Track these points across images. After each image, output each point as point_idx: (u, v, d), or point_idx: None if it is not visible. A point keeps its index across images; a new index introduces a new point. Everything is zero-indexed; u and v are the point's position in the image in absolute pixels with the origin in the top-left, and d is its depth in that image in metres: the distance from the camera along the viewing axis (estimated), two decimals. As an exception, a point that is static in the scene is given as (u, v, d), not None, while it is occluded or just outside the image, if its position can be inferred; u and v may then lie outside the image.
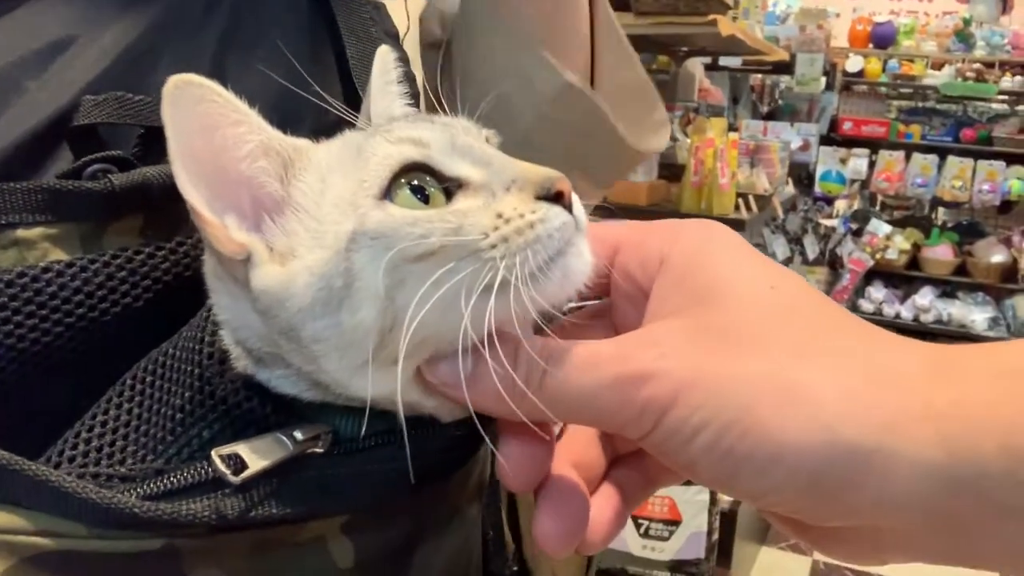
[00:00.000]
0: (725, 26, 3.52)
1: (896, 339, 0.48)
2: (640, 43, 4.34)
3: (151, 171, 0.60)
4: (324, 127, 0.57)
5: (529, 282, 0.49)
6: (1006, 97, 6.97)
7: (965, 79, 6.75)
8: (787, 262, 5.06)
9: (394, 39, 0.85)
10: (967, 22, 6.83)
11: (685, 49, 4.70)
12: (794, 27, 6.25)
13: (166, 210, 0.60)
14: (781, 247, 4.97)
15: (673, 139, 4.18)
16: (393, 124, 0.57)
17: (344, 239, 0.50)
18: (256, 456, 0.50)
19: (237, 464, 0.49)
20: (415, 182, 0.52)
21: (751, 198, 3.94)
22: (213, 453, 0.50)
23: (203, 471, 0.50)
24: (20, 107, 0.60)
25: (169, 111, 0.49)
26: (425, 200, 0.51)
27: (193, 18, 0.70)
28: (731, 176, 3.80)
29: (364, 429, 0.52)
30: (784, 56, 5.50)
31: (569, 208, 0.52)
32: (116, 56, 0.65)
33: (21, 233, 0.57)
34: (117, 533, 0.48)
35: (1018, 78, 6.77)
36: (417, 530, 0.58)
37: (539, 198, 0.51)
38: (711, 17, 3.47)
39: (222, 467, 0.49)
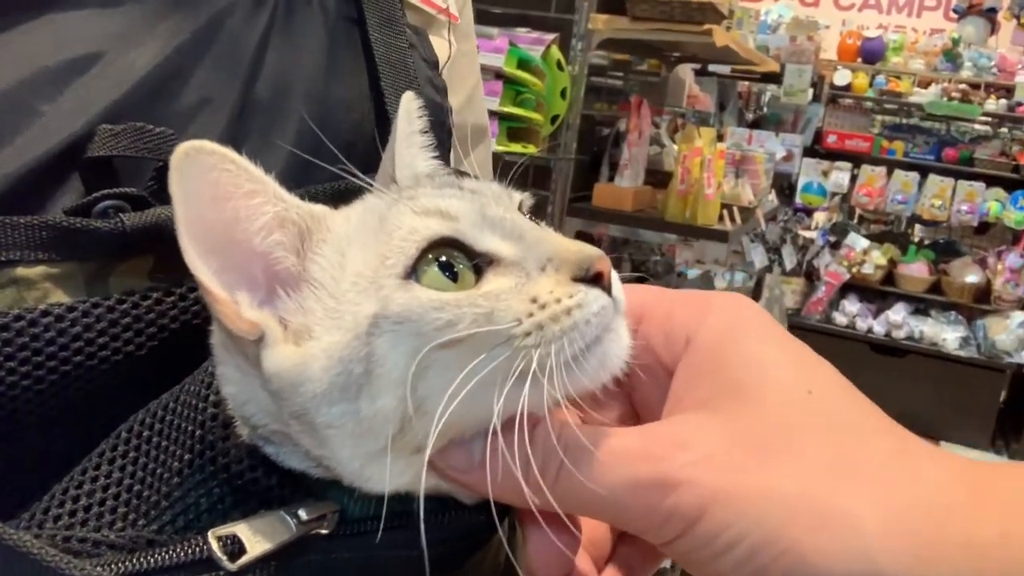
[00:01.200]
0: (720, 36, 3.51)
1: (935, 454, 0.45)
2: (633, 47, 4.35)
3: (165, 212, 0.56)
4: (352, 161, 0.54)
5: (564, 371, 0.47)
6: (989, 119, 7.02)
7: (950, 99, 6.78)
8: (765, 271, 5.07)
9: (434, 67, 0.81)
10: (956, 42, 6.86)
11: (676, 55, 4.69)
12: (784, 37, 6.25)
13: (179, 252, 0.54)
14: (759, 256, 4.98)
15: (660, 145, 4.16)
16: (418, 190, 0.53)
17: (365, 323, 0.47)
18: (256, 538, 0.46)
19: (234, 547, 0.45)
20: (443, 258, 0.48)
21: (735, 209, 3.93)
22: (210, 535, 0.45)
23: (197, 548, 0.46)
24: (32, 132, 0.55)
25: (177, 179, 0.45)
26: (454, 278, 0.48)
27: (224, 42, 0.66)
28: (717, 187, 3.79)
29: (374, 510, 0.48)
30: (774, 67, 5.50)
31: (608, 289, 0.49)
32: (140, 79, 0.60)
33: (21, 271, 0.52)
34: None
35: (1002, 101, 6.81)
36: None
37: (576, 279, 0.48)
38: (706, 27, 3.45)
39: (218, 552, 0.45)
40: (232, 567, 0.45)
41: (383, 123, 0.73)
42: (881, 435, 0.46)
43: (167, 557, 0.45)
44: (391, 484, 0.48)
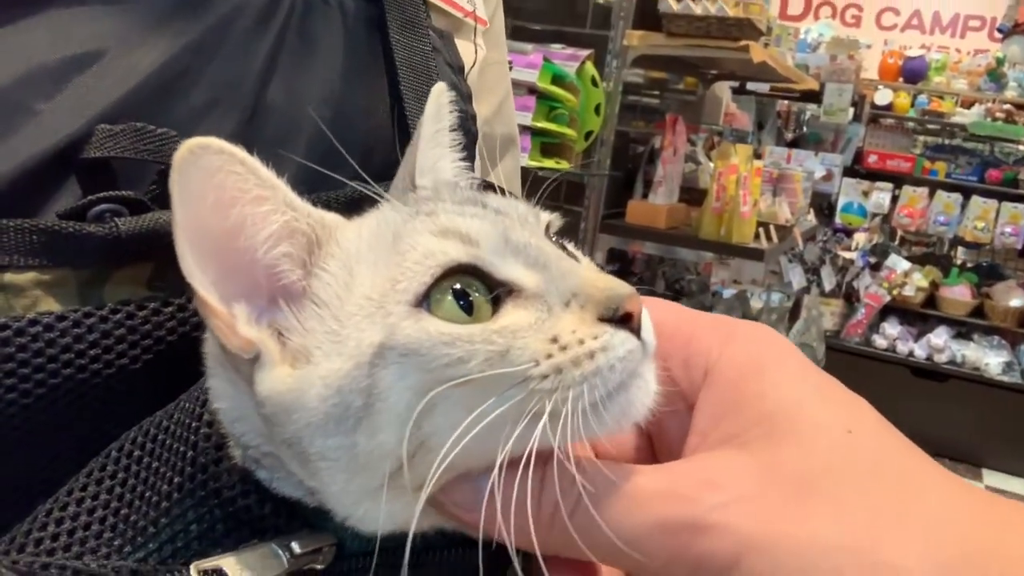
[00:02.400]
0: (757, 52, 3.47)
1: (987, 500, 0.41)
2: (669, 64, 4.32)
3: (165, 217, 0.53)
4: (369, 168, 0.51)
5: (580, 417, 0.42)
6: (1035, 140, 6.88)
7: (994, 119, 6.66)
8: (803, 292, 5.01)
9: (458, 72, 0.78)
10: (1000, 62, 6.75)
11: (714, 72, 4.66)
12: (825, 56, 6.18)
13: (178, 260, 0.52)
14: (798, 276, 4.92)
15: (696, 162, 4.13)
16: (438, 204, 0.49)
17: (369, 351, 0.43)
18: (244, 573, 0.43)
19: None
20: (459, 287, 0.44)
21: (772, 228, 3.88)
22: (193, 568, 0.43)
23: None
24: (27, 131, 0.52)
25: (179, 179, 0.42)
26: (469, 309, 0.44)
27: (235, 43, 0.63)
28: (753, 204, 3.74)
29: (374, 545, 0.45)
30: (814, 86, 5.44)
31: (638, 331, 0.45)
32: (144, 78, 0.57)
33: (10, 277, 0.50)
34: None
35: (1048, 121, 6.69)
36: None
37: (603, 319, 0.44)
38: (743, 43, 3.43)
39: None
40: None
41: (403, 129, 0.70)
42: (929, 479, 0.42)
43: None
44: (386, 524, 0.44)
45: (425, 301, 0.44)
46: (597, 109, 3.37)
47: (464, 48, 0.83)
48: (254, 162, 0.44)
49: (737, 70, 4.48)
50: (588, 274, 0.46)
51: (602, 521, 0.42)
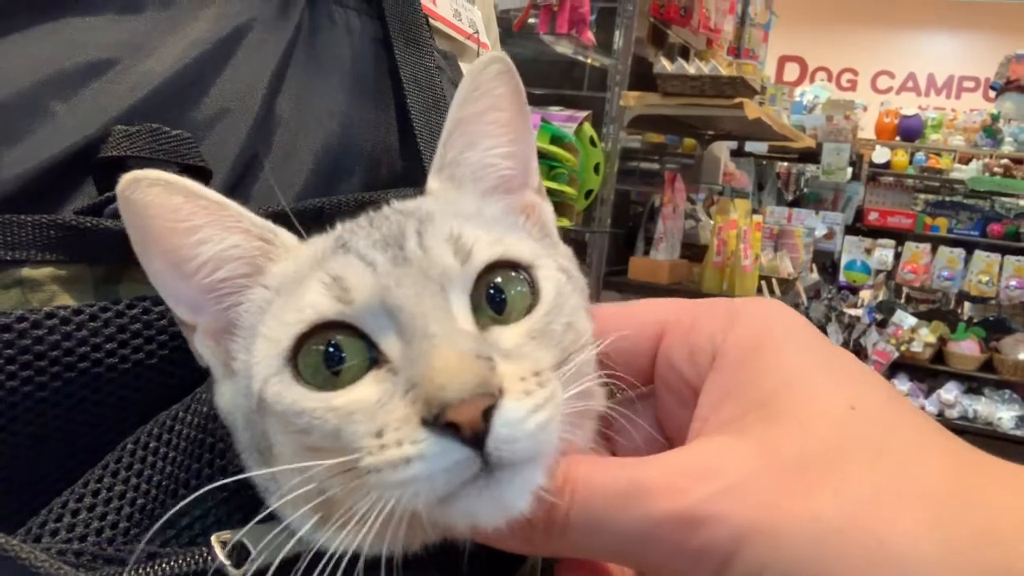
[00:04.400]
0: (752, 109, 3.53)
1: (1000, 472, 0.39)
2: (666, 124, 4.39)
3: None
4: (377, 180, 0.52)
5: (424, 512, 0.40)
6: (1034, 194, 6.93)
7: (993, 174, 6.72)
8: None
9: None
10: (995, 118, 6.83)
11: (711, 133, 4.72)
12: (821, 117, 6.27)
13: None
14: (804, 334, 4.91)
15: (696, 219, 4.17)
16: (355, 240, 0.47)
17: (255, 398, 0.44)
18: (261, 547, 0.43)
19: (240, 554, 0.43)
20: (333, 343, 0.43)
21: (774, 281, 3.91)
22: (213, 539, 0.43)
23: (200, 559, 0.43)
24: (45, 132, 0.53)
25: (122, 209, 0.45)
26: (338, 368, 0.43)
27: (245, 55, 0.65)
28: (754, 258, 3.77)
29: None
30: (811, 143, 5.51)
31: (473, 440, 0.39)
32: (158, 85, 0.58)
33: (27, 272, 0.50)
34: None
35: (1047, 175, 6.74)
36: None
37: (425, 423, 0.39)
38: (737, 100, 3.49)
39: (221, 555, 0.43)
40: (236, 573, 0.42)
41: (410, 143, 0.71)
42: (937, 454, 0.39)
43: (167, 568, 0.43)
44: (343, 547, 0.43)
45: (294, 358, 0.43)
46: (596, 168, 3.42)
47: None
48: (194, 189, 0.46)
49: (733, 129, 4.54)
50: (437, 361, 0.40)
51: (598, 521, 0.41)
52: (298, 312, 0.44)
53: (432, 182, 0.53)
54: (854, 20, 10.59)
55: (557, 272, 0.48)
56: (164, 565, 0.43)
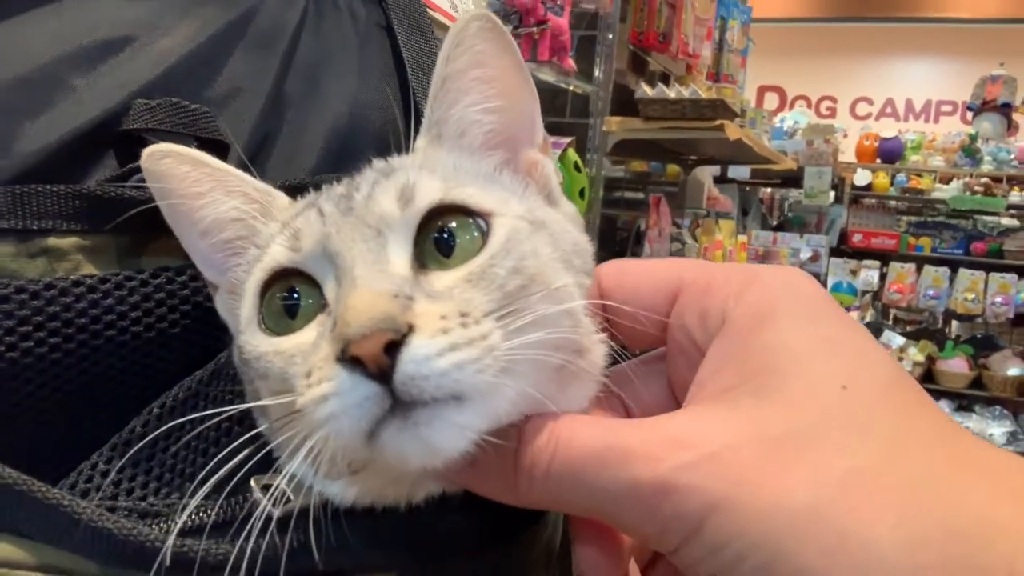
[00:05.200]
0: (732, 131, 3.57)
1: (985, 460, 0.38)
2: (649, 150, 4.43)
3: None
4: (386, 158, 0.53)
5: (359, 451, 0.42)
6: (1015, 211, 7.01)
7: (973, 193, 6.80)
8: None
9: None
10: (973, 138, 6.92)
11: (694, 157, 4.77)
12: (801, 142, 6.34)
13: None
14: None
15: (681, 242, 4.20)
16: (320, 197, 0.50)
17: (239, 349, 0.48)
18: (299, 491, 0.44)
19: (278, 498, 0.44)
20: (292, 290, 0.46)
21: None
22: (252, 481, 0.45)
23: (237, 507, 0.45)
24: (65, 106, 0.54)
25: (147, 178, 0.49)
26: (293, 314, 0.46)
27: (255, 36, 0.66)
28: (740, 278, 3.79)
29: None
30: (792, 165, 5.56)
31: (380, 376, 0.40)
32: (173, 63, 0.60)
33: (53, 241, 0.51)
34: (133, 574, 0.42)
35: (1027, 192, 6.83)
36: None
37: (337, 359, 0.41)
38: (718, 122, 3.52)
39: (260, 495, 0.44)
40: (276, 512, 0.43)
41: (416, 124, 0.72)
42: (918, 443, 0.38)
43: (205, 516, 0.45)
44: (343, 497, 0.46)
45: (260, 305, 0.47)
46: (582, 193, 3.44)
47: None
48: (200, 158, 0.49)
49: (716, 153, 4.58)
50: (351, 300, 0.41)
51: (576, 480, 0.42)
52: (262, 264, 0.47)
53: (419, 140, 0.54)
54: (831, 49, 10.74)
55: (517, 220, 0.48)
56: (200, 515, 0.45)
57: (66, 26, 0.57)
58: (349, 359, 0.40)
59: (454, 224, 0.47)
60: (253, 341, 0.46)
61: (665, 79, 3.96)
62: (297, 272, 0.46)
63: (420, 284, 0.44)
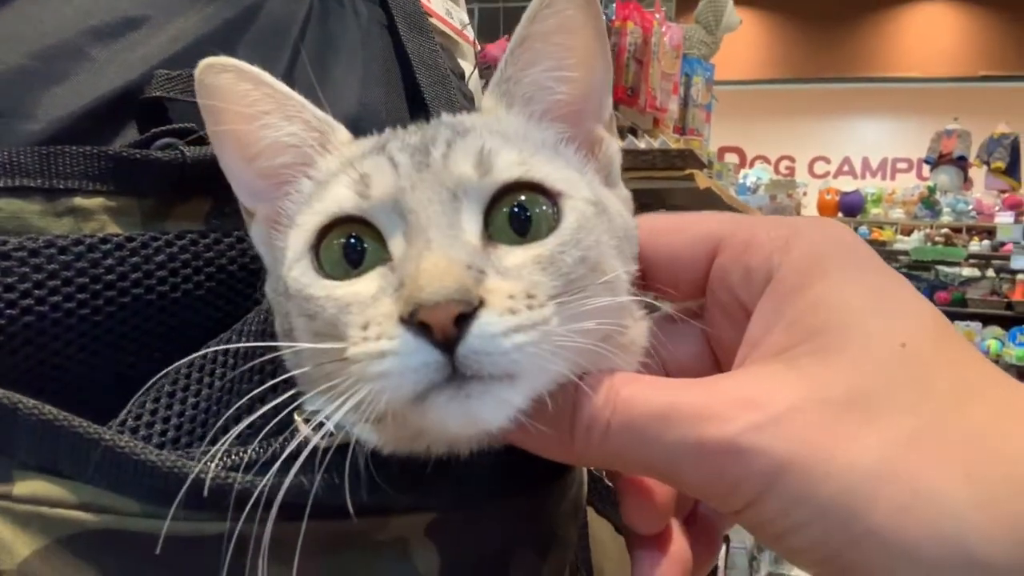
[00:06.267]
0: (702, 180, 3.63)
1: None
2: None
3: None
4: None
5: (398, 408, 0.41)
6: (976, 261, 7.16)
7: (934, 244, 6.94)
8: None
9: (459, 78, 0.82)
10: (932, 190, 7.10)
11: (663, 209, 4.83)
12: (764, 196, 6.46)
13: (235, 198, 0.54)
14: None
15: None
16: (391, 143, 0.48)
17: (282, 281, 0.46)
18: (339, 428, 0.43)
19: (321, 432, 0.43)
20: (353, 236, 0.45)
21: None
22: (296, 415, 0.44)
23: (278, 446, 0.44)
24: (86, 76, 0.55)
25: (199, 92, 0.48)
26: (356, 261, 0.45)
27: (265, 26, 0.67)
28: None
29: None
30: (759, 215, 5.65)
31: (445, 344, 0.40)
32: (189, 43, 0.60)
33: (79, 201, 0.51)
34: (175, 512, 0.41)
35: (986, 242, 6.98)
36: (509, 544, 0.51)
37: (402, 320, 0.40)
38: (688, 171, 3.58)
39: (304, 428, 0.43)
40: (321, 441, 0.43)
41: (423, 120, 0.72)
42: (982, 397, 0.38)
43: (246, 455, 0.44)
44: (368, 439, 0.45)
45: (316, 245, 0.46)
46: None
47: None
48: (262, 77, 0.48)
49: (685, 203, 4.64)
50: (425, 263, 0.41)
51: (637, 440, 0.41)
52: (323, 204, 0.46)
53: (487, 99, 0.53)
54: (788, 110, 11.02)
55: (585, 204, 0.47)
56: (240, 454, 0.44)
57: (89, 2, 0.58)
58: (417, 323, 0.39)
59: (527, 200, 0.46)
60: (304, 279, 0.45)
61: (634, 132, 4.03)
62: (361, 220, 0.45)
63: (490, 258, 0.43)
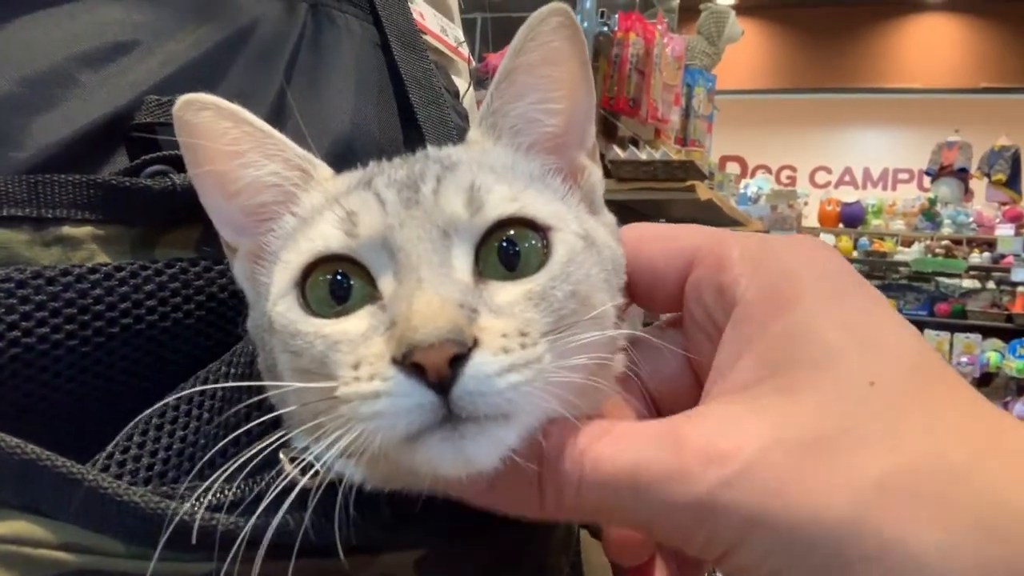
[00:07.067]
0: (703, 191, 3.63)
1: (1013, 445, 0.37)
2: (619, 212, 4.45)
3: None
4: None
5: (388, 450, 0.41)
6: (976, 273, 7.16)
7: (935, 255, 6.94)
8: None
9: (454, 96, 0.82)
10: (932, 202, 7.09)
11: (664, 220, 4.83)
12: (766, 207, 6.45)
13: None
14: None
15: (655, 303, 4.22)
16: (377, 179, 0.48)
17: (266, 317, 0.46)
18: (325, 468, 0.43)
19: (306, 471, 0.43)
20: (340, 273, 0.45)
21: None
22: (281, 454, 0.43)
23: (263, 486, 0.43)
24: (77, 102, 0.54)
25: (178, 129, 0.47)
26: (341, 299, 0.44)
27: (258, 47, 0.66)
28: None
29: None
30: (759, 227, 5.65)
31: (439, 386, 0.39)
32: (179, 68, 0.60)
33: (67, 230, 0.51)
34: (160, 553, 0.41)
35: (986, 254, 6.98)
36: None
37: (395, 361, 0.40)
38: (689, 183, 3.58)
39: (289, 466, 0.43)
40: (308, 482, 0.42)
41: (413, 139, 0.72)
42: (960, 435, 0.37)
43: (229, 495, 0.44)
44: (348, 474, 0.44)
45: (303, 283, 0.45)
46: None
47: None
48: (242, 115, 0.48)
49: (686, 215, 4.64)
50: (417, 303, 0.40)
51: (610, 501, 0.41)
52: (310, 241, 0.45)
53: (473, 131, 0.53)
54: (790, 119, 11.02)
55: (574, 238, 0.47)
56: (223, 494, 0.44)
57: (78, 27, 0.57)
58: (410, 365, 0.39)
59: (517, 235, 0.46)
60: (290, 315, 0.44)
61: (635, 143, 4.03)
62: (348, 258, 0.45)
63: (482, 295, 0.43)
